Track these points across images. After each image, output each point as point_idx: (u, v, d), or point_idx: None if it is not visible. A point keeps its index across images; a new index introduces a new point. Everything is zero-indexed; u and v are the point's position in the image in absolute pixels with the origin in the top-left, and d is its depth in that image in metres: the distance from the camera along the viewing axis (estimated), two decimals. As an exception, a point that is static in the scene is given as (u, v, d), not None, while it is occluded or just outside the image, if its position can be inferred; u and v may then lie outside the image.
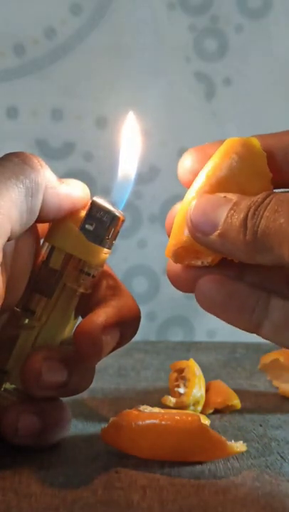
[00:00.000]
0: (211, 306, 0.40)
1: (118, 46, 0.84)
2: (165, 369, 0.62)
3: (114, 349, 0.43)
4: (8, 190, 0.38)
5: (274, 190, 0.39)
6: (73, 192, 0.42)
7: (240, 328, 0.40)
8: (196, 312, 0.88)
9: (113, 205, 0.43)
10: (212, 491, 0.39)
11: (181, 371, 0.53)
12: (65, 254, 0.42)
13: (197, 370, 0.53)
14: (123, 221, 0.43)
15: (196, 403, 0.51)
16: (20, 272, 0.42)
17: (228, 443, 0.42)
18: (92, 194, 0.43)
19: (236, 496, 0.39)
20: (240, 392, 0.54)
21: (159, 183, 0.86)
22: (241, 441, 0.43)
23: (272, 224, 0.35)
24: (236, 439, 0.43)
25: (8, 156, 0.40)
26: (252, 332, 0.40)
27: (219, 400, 0.52)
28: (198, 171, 0.40)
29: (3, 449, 0.43)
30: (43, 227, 0.43)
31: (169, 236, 0.41)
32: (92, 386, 0.44)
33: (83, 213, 0.42)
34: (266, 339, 0.40)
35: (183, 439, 0.42)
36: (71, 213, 0.42)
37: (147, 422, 0.42)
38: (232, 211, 0.37)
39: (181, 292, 0.42)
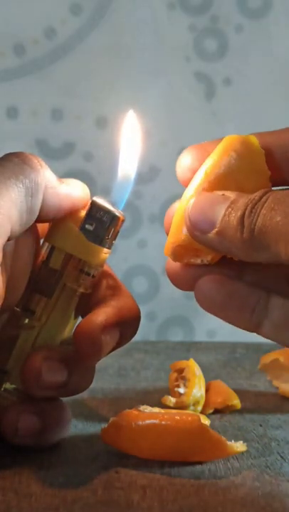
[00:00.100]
0: (210, 306, 0.40)
1: (118, 46, 0.84)
2: (165, 369, 0.62)
3: (114, 349, 0.43)
4: (8, 190, 0.38)
5: (272, 188, 0.39)
6: (73, 192, 0.42)
7: (240, 328, 0.40)
8: (196, 312, 0.88)
9: (113, 205, 0.43)
10: (212, 491, 0.39)
11: (181, 371, 0.53)
12: (65, 254, 0.42)
13: (197, 370, 0.53)
14: (123, 221, 0.43)
15: (196, 403, 0.51)
16: (20, 272, 0.42)
17: (228, 443, 0.42)
18: (92, 194, 0.43)
19: (236, 496, 0.39)
20: (240, 392, 0.54)
21: (159, 183, 0.86)
22: (241, 441, 0.43)
23: (268, 222, 0.35)
24: (236, 439, 0.43)
25: (8, 156, 0.40)
26: (252, 331, 0.40)
27: (219, 400, 0.52)
28: (197, 169, 0.40)
29: (3, 449, 0.43)
30: (43, 227, 0.43)
31: (167, 234, 0.41)
32: (92, 386, 0.44)
33: (83, 213, 0.42)
34: (267, 338, 0.40)
35: (183, 439, 0.42)
36: (71, 213, 0.42)
37: (147, 422, 0.42)
38: (230, 209, 0.37)
39: (181, 292, 0.42)
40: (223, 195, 0.38)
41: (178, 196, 0.41)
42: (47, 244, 0.43)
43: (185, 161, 0.41)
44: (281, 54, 0.86)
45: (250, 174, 0.39)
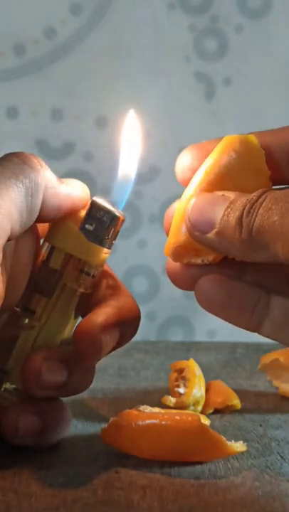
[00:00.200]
0: (211, 306, 0.40)
1: (118, 46, 0.84)
2: (165, 369, 0.62)
3: (114, 349, 0.43)
4: (8, 190, 0.38)
5: (273, 187, 0.39)
6: (73, 192, 0.42)
7: (240, 327, 0.40)
8: (196, 312, 0.88)
9: (113, 205, 0.43)
10: (212, 491, 0.39)
11: (181, 371, 0.53)
12: (65, 254, 0.42)
13: (197, 370, 0.53)
14: (123, 221, 0.43)
15: (196, 403, 0.51)
16: (20, 272, 0.42)
17: (228, 443, 0.42)
18: (92, 194, 0.43)
19: (236, 496, 0.39)
20: (240, 392, 0.54)
21: (159, 183, 0.86)
22: (241, 441, 0.43)
23: (266, 222, 0.35)
24: (236, 439, 0.43)
25: (8, 156, 0.40)
26: (252, 331, 0.40)
27: (219, 400, 0.52)
28: (197, 169, 0.40)
29: (3, 449, 0.43)
30: (43, 227, 0.43)
31: (167, 234, 0.41)
32: (92, 386, 0.44)
33: (83, 213, 0.42)
34: (267, 337, 0.40)
35: (183, 439, 0.42)
36: (71, 213, 0.42)
37: (147, 422, 0.42)
38: (228, 209, 0.37)
39: (181, 292, 0.42)
40: (222, 195, 0.38)
41: (178, 196, 0.41)
42: (47, 244, 0.43)
43: (184, 160, 0.41)
44: (281, 54, 0.86)
45: (250, 174, 0.39)
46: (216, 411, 0.52)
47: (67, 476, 0.41)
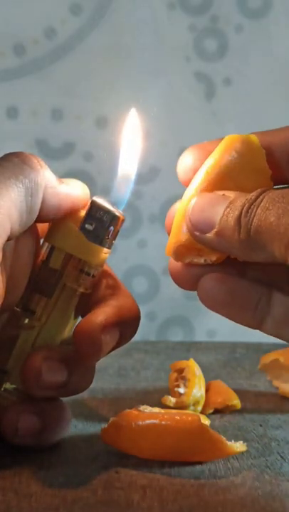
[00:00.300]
0: (213, 304, 0.40)
1: (118, 46, 0.84)
2: (165, 369, 0.62)
3: (113, 349, 0.43)
4: (7, 190, 0.38)
5: (274, 187, 0.39)
6: (73, 192, 0.42)
7: (242, 325, 0.40)
8: (196, 312, 0.88)
9: (113, 204, 0.43)
10: (212, 491, 0.39)
11: (181, 371, 0.53)
12: (65, 254, 0.42)
13: (197, 370, 0.53)
14: (123, 221, 0.43)
15: (196, 403, 0.51)
16: (20, 272, 0.42)
17: (228, 443, 0.42)
18: (92, 194, 0.43)
19: (236, 496, 0.39)
20: (240, 392, 0.54)
21: (159, 183, 0.86)
22: (241, 441, 0.43)
23: (263, 222, 0.36)
24: (236, 439, 0.43)
25: (8, 156, 0.40)
26: (254, 328, 0.40)
27: (219, 400, 0.52)
28: (198, 169, 0.40)
29: (3, 449, 0.43)
30: (43, 227, 0.43)
31: (169, 234, 0.41)
32: (92, 386, 0.44)
33: (83, 213, 0.42)
34: (269, 335, 0.40)
35: (183, 439, 0.42)
36: (71, 213, 0.42)
37: (147, 422, 0.42)
38: (228, 209, 0.37)
39: (181, 292, 0.42)
40: (223, 195, 0.38)
41: (178, 196, 0.41)
42: (47, 244, 0.43)
43: (186, 161, 0.41)
44: (281, 54, 0.86)
45: (251, 173, 0.39)
46: (216, 411, 0.52)
47: (67, 476, 0.41)
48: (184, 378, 0.52)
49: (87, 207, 0.42)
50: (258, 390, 0.58)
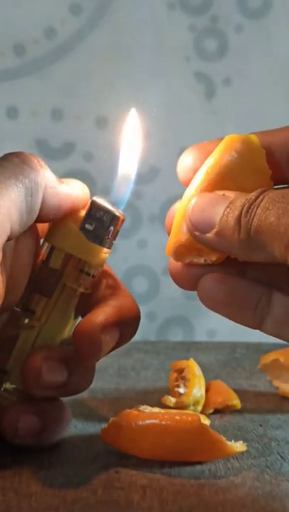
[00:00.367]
0: (213, 304, 0.40)
1: (118, 46, 0.84)
2: (165, 369, 0.62)
3: (113, 349, 0.43)
4: (7, 190, 0.38)
5: (275, 187, 0.39)
6: (73, 192, 0.42)
7: (242, 325, 0.40)
8: (196, 312, 0.88)
9: (113, 204, 0.43)
10: (212, 491, 0.39)
11: (181, 371, 0.53)
12: (65, 254, 0.42)
13: (197, 370, 0.53)
14: (123, 221, 0.43)
15: (196, 403, 0.51)
16: (20, 272, 0.42)
17: (228, 443, 0.42)
18: (92, 194, 0.43)
19: (236, 496, 0.39)
20: (240, 392, 0.54)
21: (159, 183, 0.86)
22: (241, 441, 0.43)
23: (263, 222, 0.36)
24: (236, 439, 0.43)
25: (8, 156, 0.40)
26: (254, 328, 0.40)
27: (219, 399, 0.52)
28: (198, 169, 0.40)
29: (3, 449, 0.43)
30: (43, 227, 0.43)
31: (169, 235, 0.41)
32: (92, 386, 0.44)
33: (83, 213, 0.42)
34: (269, 335, 0.40)
35: (183, 439, 0.42)
36: (71, 213, 0.42)
37: (147, 422, 0.42)
38: (228, 209, 0.37)
39: (181, 292, 0.42)
40: (223, 195, 0.38)
41: (178, 196, 0.41)
42: (47, 244, 0.43)
43: (186, 161, 0.41)
44: (281, 54, 0.86)
45: (251, 173, 0.39)
46: (216, 411, 0.52)
47: (67, 476, 0.41)
48: (184, 378, 0.52)
49: (87, 207, 0.42)
50: (258, 390, 0.58)
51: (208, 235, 0.38)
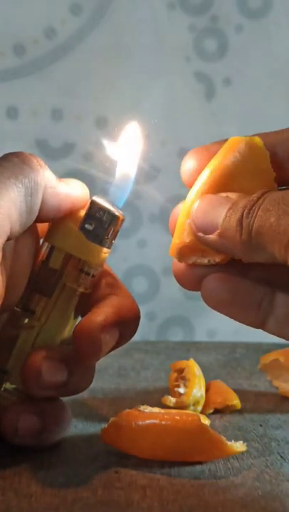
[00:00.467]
0: (217, 304, 0.40)
1: (118, 46, 0.84)
2: (165, 369, 0.62)
3: (113, 348, 0.43)
4: (7, 190, 0.38)
5: (279, 188, 0.39)
6: (73, 192, 0.42)
7: (245, 324, 0.40)
8: (196, 312, 0.88)
9: (113, 204, 0.43)
10: (212, 491, 0.39)
11: (181, 371, 0.53)
12: (64, 253, 0.42)
13: (197, 370, 0.53)
14: (123, 221, 0.43)
15: (196, 403, 0.51)
16: (20, 272, 0.42)
17: (228, 443, 0.42)
18: (92, 194, 0.43)
19: (236, 496, 0.39)
20: (240, 392, 0.54)
21: (159, 183, 0.86)
22: (241, 441, 0.43)
23: (264, 223, 0.36)
24: (236, 439, 0.43)
25: (8, 156, 0.40)
26: (257, 328, 0.40)
27: (219, 399, 0.52)
28: (202, 171, 0.40)
29: (3, 449, 0.43)
30: (42, 227, 0.43)
31: (172, 235, 0.41)
32: (92, 386, 0.44)
33: (83, 213, 0.42)
34: (272, 334, 0.40)
35: (183, 439, 0.42)
36: (71, 213, 0.42)
37: (147, 422, 0.42)
38: (230, 211, 0.37)
39: (181, 292, 0.42)
40: (226, 196, 0.38)
41: (178, 196, 0.41)
42: (47, 244, 0.43)
43: (189, 162, 0.41)
44: (281, 54, 0.86)
45: (255, 175, 0.39)
46: (216, 411, 0.52)
47: (67, 476, 0.41)
48: (184, 378, 0.52)
49: (86, 207, 0.42)
50: (258, 390, 0.58)
51: (211, 236, 0.38)
